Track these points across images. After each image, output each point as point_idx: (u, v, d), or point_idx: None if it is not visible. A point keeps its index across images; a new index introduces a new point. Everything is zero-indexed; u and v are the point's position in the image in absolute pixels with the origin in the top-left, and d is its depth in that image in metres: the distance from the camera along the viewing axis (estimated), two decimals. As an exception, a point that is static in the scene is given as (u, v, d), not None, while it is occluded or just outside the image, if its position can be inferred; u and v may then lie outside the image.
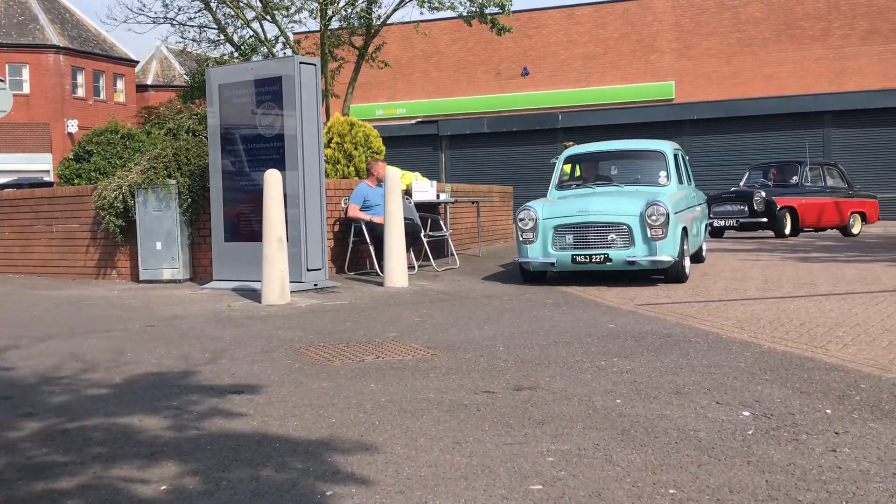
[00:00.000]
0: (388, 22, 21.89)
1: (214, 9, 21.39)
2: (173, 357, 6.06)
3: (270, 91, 10.08)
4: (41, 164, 39.50)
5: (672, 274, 9.60)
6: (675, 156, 10.93)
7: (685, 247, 9.78)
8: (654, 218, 9.20)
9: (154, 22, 21.89)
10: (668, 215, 9.18)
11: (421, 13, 21.21)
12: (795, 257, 13.04)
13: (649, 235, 9.25)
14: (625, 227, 9.35)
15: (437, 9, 20.69)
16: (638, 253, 9.33)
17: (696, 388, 4.76)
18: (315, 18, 20.87)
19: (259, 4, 20.77)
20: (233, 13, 21.15)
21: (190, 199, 11.05)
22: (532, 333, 6.68)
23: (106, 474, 3.51)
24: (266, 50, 21.38)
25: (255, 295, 9.40)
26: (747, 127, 29.79)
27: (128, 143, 13.95)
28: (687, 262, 9.88)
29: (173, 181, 11.04)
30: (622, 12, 32.55)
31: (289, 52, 21.70)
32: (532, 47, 33.40)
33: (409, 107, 34.93)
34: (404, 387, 4.97)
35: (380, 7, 21.47)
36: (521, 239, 9.76)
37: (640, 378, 5.04)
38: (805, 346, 5.92)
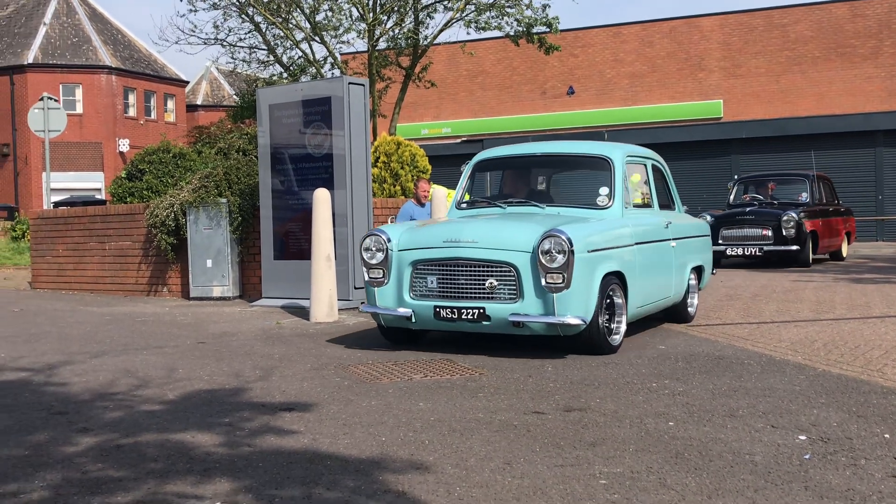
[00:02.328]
0: (435, 42, 22.02)
1: (264, 30, 21.70)
2: (224, 374, 6.11)
3: (319, 111, 10.18)
4: (94, 182, 40.25)
5: (584, 344, 6.50)
6: (645, 166, 8.00)
7: (619, 299, 6.76)
8: (549, 257, 6.18)
9: (205, 43, 22.17)
10: (570, 253, 6.13)
11: (468, 33, 21.29)
12: (848, 278, 12.83)
13: (544, 283, 6.24)
14: (509, 268, 6.35)
15: (483, 29, 20.77)
16: (527, 309, 6.30)
17: (751, 412, 4.69)
18: (363, 39, 21.08)
19: (308, 26, 21.02)
20: (282, 34, 21.43)
21: (240, 218, 11.19)
22: (580, 356, 6.63)
23: (161, 490, 3.55)
24: (315, 70, 21.62)
25: (303, 312, 9.46)
26: (797, 146, 29.43)
27: (179, 162, 14.16)
28: (621, 325, 6.77)
29: (224, 200, 11.18)
30: (669, 31, 32.40)
31: (337, 72, 21.92)
32: (578, 66, 33.37)
33: (455, 126, 35.05)
34: (453, 406, 4.96)
35: (427, 28, 21.62)
36: (366, 278, 6.91)
37: (693, 400, 4.98)
38: (861, 370, 5.81)
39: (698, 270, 8.69)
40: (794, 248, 15.07)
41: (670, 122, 32.05)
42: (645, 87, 32.71)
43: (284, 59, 22.39)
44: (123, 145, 41.43)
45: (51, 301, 12.07)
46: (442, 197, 10.23)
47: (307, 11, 20.75)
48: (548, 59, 29.55)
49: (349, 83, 10.17)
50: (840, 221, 17.38)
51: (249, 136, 13.16)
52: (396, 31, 21.24)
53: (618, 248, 6.84)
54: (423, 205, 11.17)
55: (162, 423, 4.66)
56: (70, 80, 40.95)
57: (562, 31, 21.62)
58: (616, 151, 7.53)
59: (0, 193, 40.32)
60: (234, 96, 41.19)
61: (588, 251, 6.33)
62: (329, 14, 20.80)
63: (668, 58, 32.55)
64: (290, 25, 21.16)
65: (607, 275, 6.57)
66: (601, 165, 7.49)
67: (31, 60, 40.39)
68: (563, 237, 6.17)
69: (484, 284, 6.42)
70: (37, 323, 9.45)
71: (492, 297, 6.41)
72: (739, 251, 15.44)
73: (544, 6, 20.71)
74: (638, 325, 8.11)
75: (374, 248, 6.83)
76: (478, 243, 6.46)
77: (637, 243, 7.12)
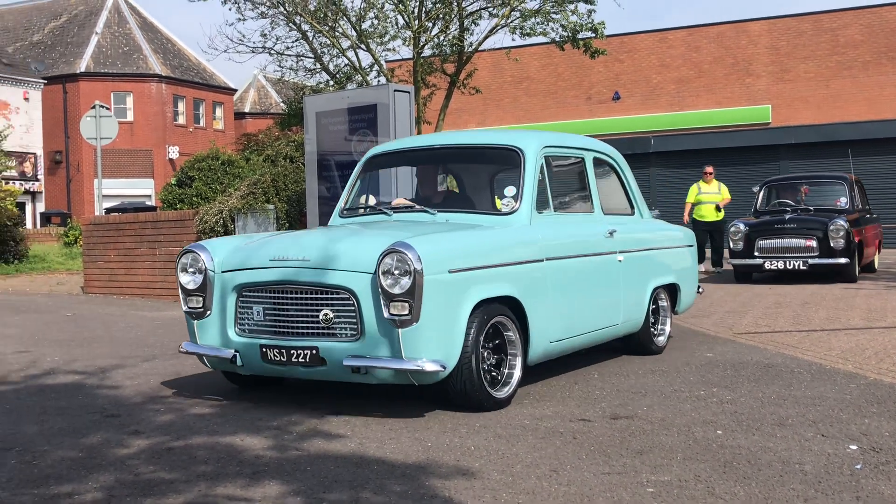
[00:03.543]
0: (480, 49, 22.05)
1: (311, 38, 21.89)
2: (272, 379, 6.17)
3: (365, 118, 10.25)
4: (144, 189, 40.87)
5: (454, 397, 5.00)
6: (582, 160, 6.45)
7: (512, 334, 5.24)
8: (390, 279, 4.69)
9: (253, 51, 22.44)
10: (417, 273, 4.62)
11: (513, 39, 21.27)
12: (901, 286, 12.59)
13: (387, 315, 4.70)
14: (347, 295, 4.83)
15: (528, 35, 20.75)
16: (370, 350, 4.79)
17: (801, 420, 4.63)
18: (408, 46, 21.17)
19: (354, 33, 21.18)
20: (329, 42, 21.62)
21: (287, 224, 11.31)
22: (627, 361, 6.61)
23: (211, 492, 3.61)
24: (360, 78, 21.76)
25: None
26: (847, 151, 29.02)
27: (228, 169, 14.36)
28: (513, 370, 5.24)
29: (271, 206, 11.31)
30: (716, 35, 32.11)
31: (382, 79, 22.06)
32: (623, 71, 33.19)
33: (500, 132, 35.07)
34: (498, 412, 4.97)
35: (472, 34, 21.65)
36: (184, 308, 5.46)
37: (742, 409, 4.93)
38: (914, 379, 5.71)
39: (671, 290, 7.24)
40: (843, 260, 13.10)
41: (717, 127, 31.76)
42: (692, 93, 32.46)
43: (331, 66, 22.58)
44: (173, 152, 42.04)
45: (103, 306, 12.29)
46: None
47: (353, 19, 20.90)
48: (593, 65, 29.45)
49: (395, 90, 10.23)
50: (877, 228, 15.93)
51: (296, 144, 13.31)
52: (441, 38, 21.31)
53: (510, 265, 5.29)
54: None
55: (212, 427, 4.73)
56: (121, 88, 41.66)
57: (607, 36, 21.53)
58: (529, 141, 6.02)
59: (53, 200, 41.12)
60: (282, 104, 41.63)
61: (450, 271, 4.81)
62: (375, 22, 20.93)
63: (715, 63, 32.27)
64: (337, 33, 21.33)
65: (487, 302, 5.04)
66: (509, 159, 6.06)
67: (83, 69, 41.17)
68: (408, 253, 4.64)
69: (318, 317, 4.91)
70: (89, 327, 9.63)
71: (329, 334, 4.89)
72: (780, 265, 13.31)
73: (590, 11, 20.66)
74: (686, 334, 8.03)
75: (192, 268, 5.38)
76: (310, 262, 4.96)
77: (550, 258, 5.61)
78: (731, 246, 13.60)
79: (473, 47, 21.69)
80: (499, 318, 5.15)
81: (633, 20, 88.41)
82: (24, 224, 26.48)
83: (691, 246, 7.61)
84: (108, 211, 26.70)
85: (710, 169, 15.49)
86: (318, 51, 22.25)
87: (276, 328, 5.08)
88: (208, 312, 5.34)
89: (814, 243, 13.27)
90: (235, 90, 48.82)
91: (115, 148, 36.60)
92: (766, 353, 6.87)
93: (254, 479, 3.77)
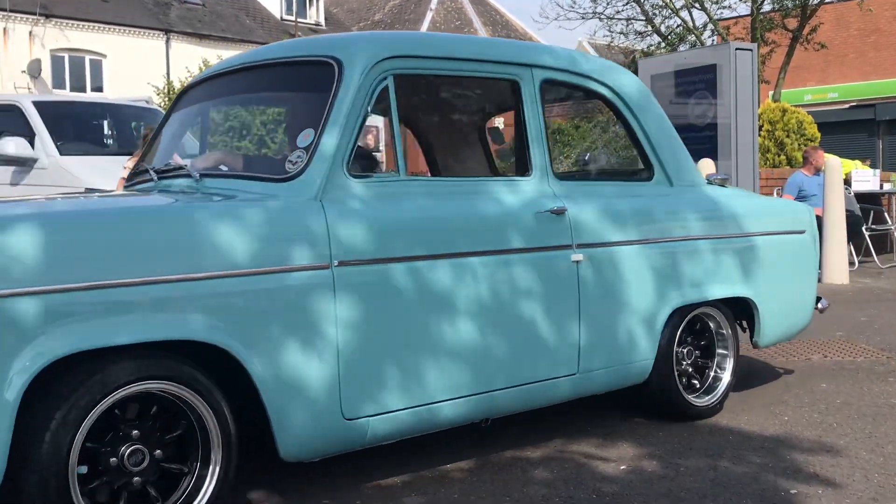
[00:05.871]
0: (826, 1, 20.55)
1: (643, 0, 21.56)
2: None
3: (704, 79, 9.93)
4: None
5: None
6: (515, 82, 3.59)
7: (206, 429, 2.75)
8: None
9: (583, 17, 22.55)
10: None
11: (863, -11, 19.57)
12: None
13: None
14: None
15: (884, -18, 19.01)
16: None
17: None
18: (746, 3, 20.20)
19: (688, -8, 20.58)
20: (661, 3, 21.18)
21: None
22: None
23: (567, 449, 3.71)
24: (693, 38, 21.10)
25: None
26: None
27: (557, 137, 14.55)
28: (204, 490, 2.73)
29: (604, 172, 11.36)
30: None
31: (716, 39, 21.24)
32: None
33: (842, 91, 32.53)
34: (860, 389, 4.66)
35: (818, -15, 20.22)
36: None
37: None
38: None
39: (740, 308, 4.31)
40: None
41: None
42: None
43: (662, 28, 22.10)
44: (500, 123, 43.41)
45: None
46: (836, 167, 9.60)
47: (688, -22, 20.31)
48: (957, 12, 26.40)
49: (736, 49, 9.80)
50: None
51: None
52: (783, -9, 20.11)
53: (211, 279, 2.74)
54: (817, 173, 10.48)
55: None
56: (455, 61, 43.61)
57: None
58: (357, 47, 3.33)
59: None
60: (607, 69, 41.46)
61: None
62: (712, -21, 20.20)
63: None
64: (670, -7, 20.83)
65: (116, 355, 2.59)
66: (320, 81, 3.26)
67: (420, 44, 43.59)
68: None
69: None
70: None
71: None
72: None
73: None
74: None
75: None
76: None
77: (351, 262, 3.01)
78: None
79: (819, 0, 20.26)
80: (160, 384, 2.66)
81: None
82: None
83: (801, 232, 4.55)
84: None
85: None
86: (650, 13, 21.87)
87: None
88: None
89: None
90: (562, 58, 49.37)
91: (449, 118, 38.51)
92: None
93: (607, 439, 3.83)
